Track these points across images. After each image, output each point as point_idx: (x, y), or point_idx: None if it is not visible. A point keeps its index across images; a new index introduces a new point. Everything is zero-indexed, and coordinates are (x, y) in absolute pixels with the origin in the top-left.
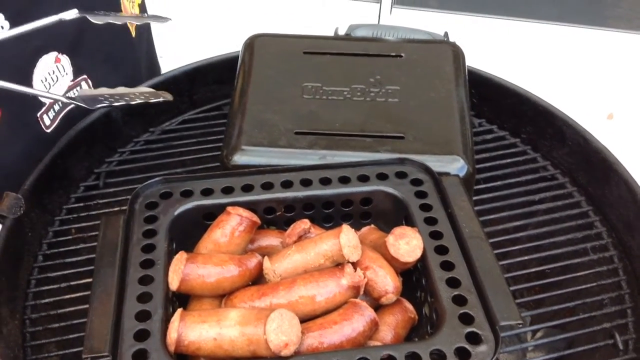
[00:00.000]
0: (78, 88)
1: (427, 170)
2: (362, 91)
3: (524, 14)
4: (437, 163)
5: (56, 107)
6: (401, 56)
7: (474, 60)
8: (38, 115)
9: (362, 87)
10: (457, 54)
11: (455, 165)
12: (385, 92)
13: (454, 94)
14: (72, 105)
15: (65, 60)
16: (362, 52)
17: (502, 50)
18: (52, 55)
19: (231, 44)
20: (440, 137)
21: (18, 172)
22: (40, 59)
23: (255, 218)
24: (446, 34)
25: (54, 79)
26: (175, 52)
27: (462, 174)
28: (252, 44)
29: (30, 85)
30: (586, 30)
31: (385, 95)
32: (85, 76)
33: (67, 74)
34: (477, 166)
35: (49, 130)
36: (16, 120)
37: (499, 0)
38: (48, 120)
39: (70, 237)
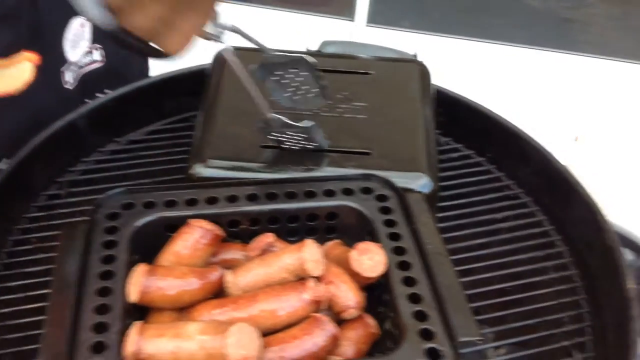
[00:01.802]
0: (91, 55)
1: (392, 186)
2: (329, 107)
3: (495, 37)
4: (402, 179)
5: (74, 69)
6: (369, 73)
7: (443, 81)
8: (61, 69)
9: (330, 103)
10: (423, 73)
11: (419, 182)
12: (352, 108)
13: (420, 111)
14: (87, 71)
15: (87, 26)
16: (332, 69)
17: (472, 71)
18: (79, 20)
19: (202, 57)
20: (405, 154)
21: (43, 121)
22: (71, 21)
23: (219, 230)
24: (415, 55)
25: (76, 42)
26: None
27: (426, 190)
28: (222, 57)
29: (61, 43)
30: (556, 54)
31: (353, 111)
32: (98, 45)
33: (85, 39)
34: (443, 184)
35: (69, 87)
36: (49, 69)
37: (471, 22)
38: (69, 77)
39: (30, 246)
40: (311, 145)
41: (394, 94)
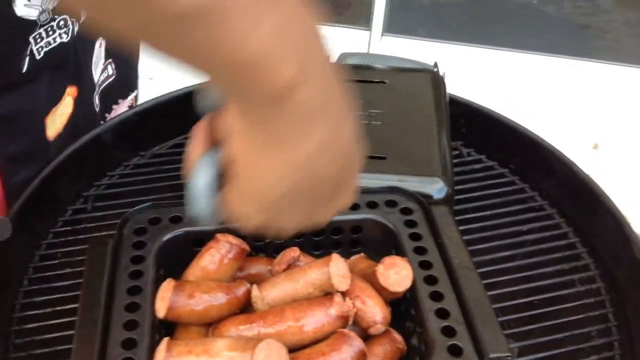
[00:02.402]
0: (106, 71)
1: (417, 199)
2: None
3: (511, 45)
4: (417, 184)
5: (97, 89)
6: (384, 82)
7: (463, 90)
8: (95, 95)
9: None
10: (437, 81)
11: (434, 187)
12: (368, 115)
13: (434, 118)
14: (103, 86)
15: (103, 45)
16: (347, 78)
17: (490, 79)
18: (98, 41)
19: None
20: (420, 159)
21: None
22: (95, 46)
23: (245, 245)
24: (436, 64)
25: (97, 63)
26: (167, 74)
27: (441, 195)
28: None
29: (91, 70)
30: (572, 61)
31: (369, 118)
32: (110, 60)
33: (102, 58)
34: (466, 196)
35: (97, 110)
36: (84, 97)
37: (486, 30)
38: (96, 100)
39: (56, 261)
40: None
41: (409, 102)
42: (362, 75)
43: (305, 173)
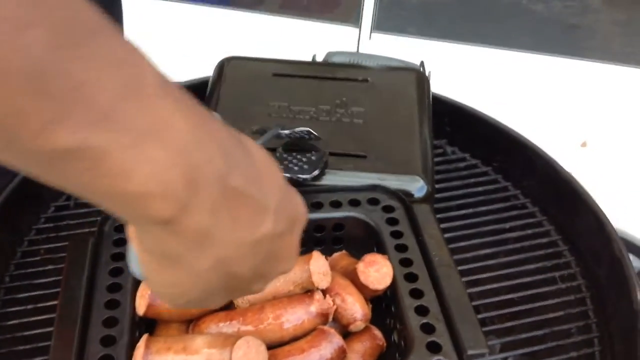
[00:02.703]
0: None
1: (399, 197)
2: (327, 112)
3: (500, 43)
4: (398, 182)
5: None
6: (367, 81)
7: (452, 88)
8: None
9: (328, 108)
10: (421, 80)
11: (415, 185)
12: (350, 113)
13: (416, 117)
14: None
15: None
16: (330, 76)
17: (479, 77)
18: None
19: (211, 67)
20: (401, 157)
21: None
22: None
23: None
24: (422, 63)
25: None
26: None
27: (421, 194)
28: (223, 65)
29: None
30: (561, 59)
31: (350, 116)
32: None
33: None
34: (449, 194)
35: None
36: None
37: (476, 28)
38: None
39: (39, 257)
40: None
41: (391, 100)
42: (346, 73)
43: (207, 283)
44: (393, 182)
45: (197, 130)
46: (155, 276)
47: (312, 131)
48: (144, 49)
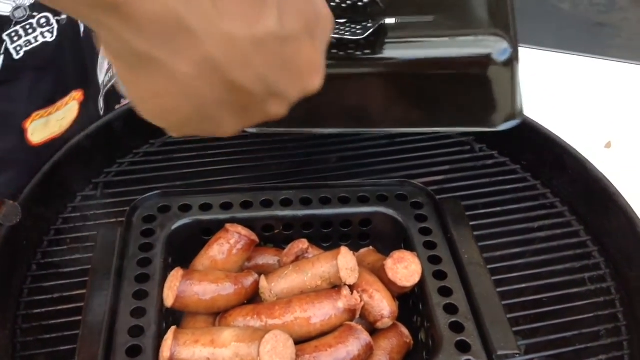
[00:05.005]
0: (111, 71)
1: (428, 193)
2: None
3: (526, 41)
4: (472, 43)
5: (102, 92)
6: None
7: None
8: (99, 98)
9: None
10: None
11: (495, 46)
12: None
13: None
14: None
15: None
16: None
17: None
18: None
19: None
20: (475, 13)
21: None
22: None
23: (254, 237)
24: None
25: (102, 65)
26: None
27: (504, 57)
28: None
29: (96, 73)
30: (585, 58)
31: None
32: None
33: (106, 58)
34: (477, 191)
35: (102, 113)
36: (90, 101)
37: None
38: (101, 102)
39: (65, 247)
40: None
41: None
42: None
43: (197, 93)
44: (466, 43)
45: None
46: (133, 86)
47: None
48: None
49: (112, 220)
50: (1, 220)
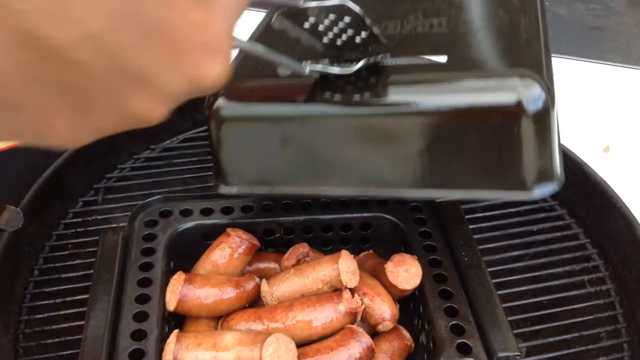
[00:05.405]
0: None
1: None
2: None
3: None
4: (495, 89)
5: None
6: None
7: None
8: None
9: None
10: None
11: (526, 91)
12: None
13: (521, 19)
14: None
15: None
16: None
17: None
18: None
19: None
20: (498, 51)
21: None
22: None
23: (255, 241)
24: None
25: None
26: None
27: (537, 105)
28: None
29: None
30: (582, 62)
31: (428, 26)
32: None
33: None
34: None
35: None
36: None
37: None
38: None
39: (67, 252)
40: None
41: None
42: None
43: (14, 64)
44: (488, 89)
45: None
46: None
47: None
48: None
49: (114, 225)
50: (3, 226)
